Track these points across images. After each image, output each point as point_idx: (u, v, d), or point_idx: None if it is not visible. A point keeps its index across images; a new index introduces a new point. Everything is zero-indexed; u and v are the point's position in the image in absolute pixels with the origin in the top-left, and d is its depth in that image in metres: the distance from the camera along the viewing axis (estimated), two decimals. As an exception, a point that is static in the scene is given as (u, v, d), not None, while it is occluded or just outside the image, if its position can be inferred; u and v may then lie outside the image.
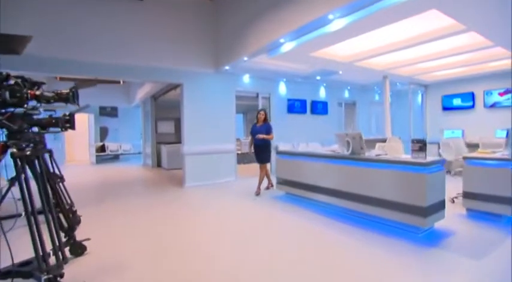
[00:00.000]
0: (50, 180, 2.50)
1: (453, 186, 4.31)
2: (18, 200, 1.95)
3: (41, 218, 1.99)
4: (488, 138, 6.36)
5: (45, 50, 5.06)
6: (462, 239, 3.16)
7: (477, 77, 7.64)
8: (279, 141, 8.06)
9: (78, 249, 2.72)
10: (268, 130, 5.57)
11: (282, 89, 8.31)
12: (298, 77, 8.07)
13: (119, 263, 2.74)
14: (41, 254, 1.88)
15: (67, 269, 2.20)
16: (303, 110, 8.67)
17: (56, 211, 2.53)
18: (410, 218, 3.18)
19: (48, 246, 1.97)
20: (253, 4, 5.21)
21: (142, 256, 2.89)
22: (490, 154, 3.78)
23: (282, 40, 4.69)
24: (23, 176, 1.97)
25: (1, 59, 3.91)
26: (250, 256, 2.88)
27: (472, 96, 7.89)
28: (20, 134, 2.11)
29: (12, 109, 2.14)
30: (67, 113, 3.92)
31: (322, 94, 9.24)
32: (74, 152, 13.44)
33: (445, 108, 8.57)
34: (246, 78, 7.55)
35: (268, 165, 5.75)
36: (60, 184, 3.81)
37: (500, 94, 7.33)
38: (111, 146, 13.37)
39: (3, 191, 1.96)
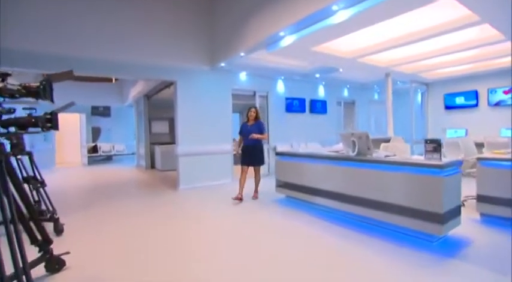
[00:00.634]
0: (18, 186, 2.17)
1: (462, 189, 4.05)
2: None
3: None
4: (493, 138, 6.13)
5: (34, 45, 4.75)
6: (482, 248, 2.88)
7: (481, 75, 7.42)
8: (277, 142, 7.80)
9: (55, 265, 2.40)
10: (261, 129, 5.08)
11: (280, 87, 8.03)
12: (296, 74, 7.80)
13: (101, 279, 2.42)
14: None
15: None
16: (301, 109, 8.39)
17: (35, 220, 2.22)
18: (424, 225, 2.90)
19: (9, 268, 1.65)
20: (250, -4, 4.92)
21: (129, 270, 2.58)
22: (507, 155, 3.52)
23: (281, 33, 4.40)
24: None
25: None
26: (248, 265, 2.58)
27: (476, 94, 7.67)
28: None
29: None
30: (48, 112, 3.60)
31: (321, 93, 8.98)
32: (65, 153, 13.01)
33: (447, 107, 8.35)
34: (243, 76, 7.25)
35: (262, 169, 5.24)
36: (41, 190, 3.48)
37: (505, 92, 7.11)
38: (103, 146, 12.98)
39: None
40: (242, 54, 5.42)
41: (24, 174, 3.50)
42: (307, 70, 7.54)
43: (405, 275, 2.38)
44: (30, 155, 3.53)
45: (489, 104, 7.44)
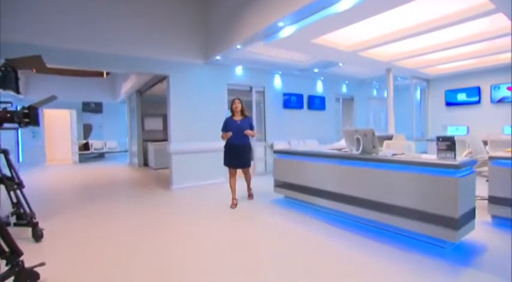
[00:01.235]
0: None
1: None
2: None
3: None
4: (496, 135, 5.95)
5: (22, 36, 4.46)
6: (497, 255, 2.65)
7: (484, 71, 7.22)
8: (274, 139, 7.55)
9: (27, 279, 2.12)
10: (252, 126, 4.51)
11: (278, 82, 7.75)
12: (294, 69, 7.54)
13: (80, 294, 2.15)
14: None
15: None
16: (299, 105, 8.13)
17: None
18: (436, 230, 2.67)
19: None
20: (247, -16, 4.62)
21: (112, 283, 2.31)
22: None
23: (280, 23, 4.12)
24: None
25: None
26: (247, 272, 2.32)
27: (478, 90, 7.47)
28: None
29: None
30: (26, 106, 3.29)
31: (319, 88, 8.73)
32: (55, 150, 12.65)
33: (448, 104, 8.15)
34: (239, 70, 6.96)
35: (250, 170, 4.77)
36: (18, 191, 3.18)
37: (509, 88, 6.91)
38: (95, 143, 12.61)
39: None
40: (238, 46, 5.13)
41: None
42: (305, 65, 7.29)
43: (420, 287, 2.15)
44: (5, 153, 3.22)
45: (492, 100, 7.26)
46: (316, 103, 8.50)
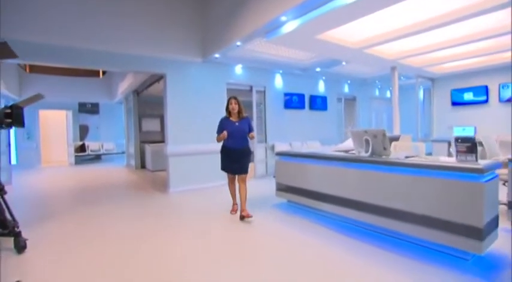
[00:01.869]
0: None
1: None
2: None
3: None
4: (505, 136, 5.71)
5: (17, 34, 4.25)
6: (526, 267, 2.41)
7: (491, 69, 6.99)
8: (275, 140, 7.30)
9: (0, 300, 1.86)
10: (251, 127, 4.03)
11: (278, 81, 7.51)
12: (296, 68, 7.30)
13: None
14: None
15: None
16: (301, 106, 7.89)
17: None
18: (458, 241, 2.42)
19: None
20: (248, -23, 4.39)
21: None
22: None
23: (283, 18, 3.87)
24: None
25: None
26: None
27: (486, 89, 7.24)
28: None
29: None
30: (8, 105, 3.04)
31: (321, 88, 8.49)
32: (51, 152, 12.37)
33: (454, 103, 7.92)
34: (238, 69, 6.72)
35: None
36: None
37: (518, 87, 6.70)
38: (92, 145, 12.34)
39: None
40: (238, 43, 4.89)
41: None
42: (307, 64, 7.06)
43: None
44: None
45: (500, 100, 7.02)
46: (318, 103, 8.26)
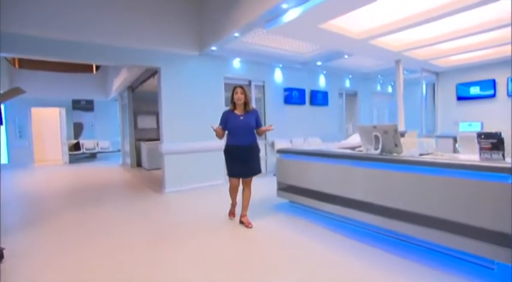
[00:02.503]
0: None
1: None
2: None
3: None
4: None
5: (7, 27, 3.98)
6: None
7: (499, 62, 6.71)
8: (275, 137, 7.03)
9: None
10: (259, 121, 3.54)
11: (278, 76, 7.23)
12: (296, 62, 7.03)
13: None
14: None
15: None
16: (301, 101, 7.62)
17: None
18: (483, 248, 2.17)
19: None
20: (245, -38, 4.09)
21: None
22: None
23: (284, 5, 3.59)
24: None
25: None
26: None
27: (493, 83, 6.98)
28: None
29: None
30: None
31: (322, 83, 8.22)
32: (44, 151, 12.08)
33: (459, 98, 7.65)
34: (236, 63, 6.43)
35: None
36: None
37: (528, 80, 6.44)
38: (86, 143, 12.03)
39: None
40: (236, 34, 4.61)
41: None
42: (307, 57, 6.78)
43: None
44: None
45: (509, 94, 6.76)
46: (319, 98, 7.99)
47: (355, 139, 5.14)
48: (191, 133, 5.69)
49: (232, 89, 3.44)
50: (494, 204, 2.11)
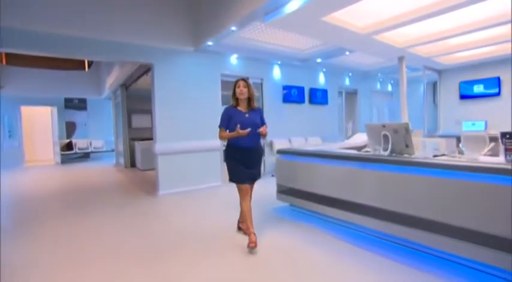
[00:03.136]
0: None
1: None
2: None
3: None
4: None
5: None
6: None
7: (504, 59, 6.52)
8: (274, 137, 6.79)
9: None
10: (263, 120, 3.11)
11: (277, 73, 6.99)
12: (295, 59, 6.79)
13: None
14: None
15: None
16: (300, 99, 7.39)
17: None
18: (504, 259, 1.95)
19: None
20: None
21: None
22: None
23: (285, -5, 3.35)
24: None
25: None
26: None
27: (498, 81, 6.80)
28: None
29: None
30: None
31: (321, 81, 7.99)
32: (35, 150, 11.76)
33: (463, 97, 7.46)
34: (234, 60, 6.18)
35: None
36: None
37: (534, 78, 6.25)
38: (79, 143, 11.70)
39: None
40: (233, 28, 4.36)
41: None
42: (306, 54, 6.55)
43: None
44: None
45: (514, 92, 6.59)
46: (318, 97, 7.77)
47: (358, 139, 4.92)
48: (186, 133, 5.43)
49: (235, 82, 2.99)
50: (523, 212, 1.89)
